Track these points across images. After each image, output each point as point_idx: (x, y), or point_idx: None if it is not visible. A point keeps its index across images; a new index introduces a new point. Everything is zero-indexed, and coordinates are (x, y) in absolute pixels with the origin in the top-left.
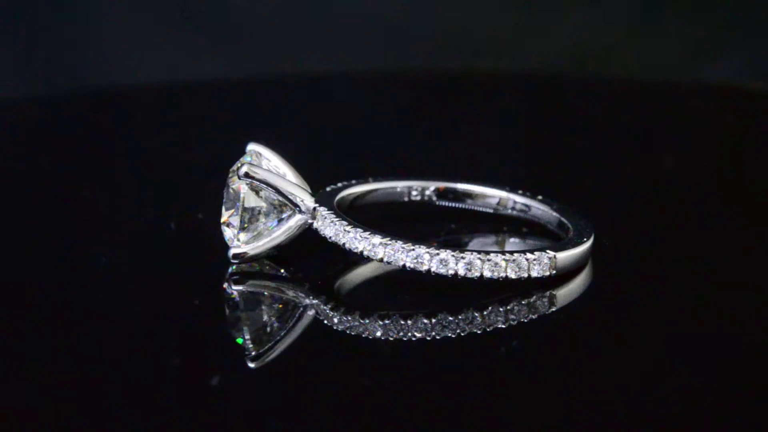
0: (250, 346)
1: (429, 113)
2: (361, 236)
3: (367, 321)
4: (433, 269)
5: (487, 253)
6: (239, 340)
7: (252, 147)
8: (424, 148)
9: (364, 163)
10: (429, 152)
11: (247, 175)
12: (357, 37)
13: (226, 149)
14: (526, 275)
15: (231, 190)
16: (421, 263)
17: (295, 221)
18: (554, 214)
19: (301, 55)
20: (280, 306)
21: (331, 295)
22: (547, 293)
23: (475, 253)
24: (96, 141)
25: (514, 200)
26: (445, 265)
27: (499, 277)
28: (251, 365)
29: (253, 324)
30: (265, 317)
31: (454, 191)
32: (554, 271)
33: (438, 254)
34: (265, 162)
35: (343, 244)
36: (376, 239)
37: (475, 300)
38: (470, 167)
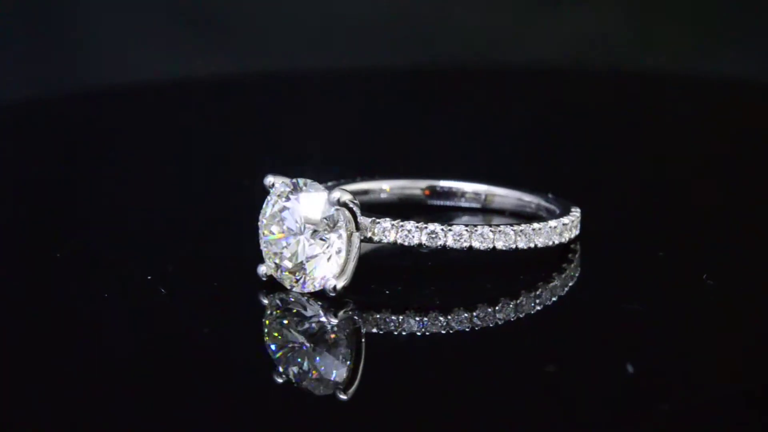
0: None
1: (426, 111)
2: (467, 230)
3: (401, 318)
4: (520, 245)
5: (539, 222)
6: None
7: (276, 178)
8: (420, 146)
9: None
10: (428, 149)
11: (349, 204)
12: (352, 34)
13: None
14: (573, 235)
15: (318, 221)
16: (530, 239)
17: (356, 241)
18: (530, 199)
19: (292, 52)
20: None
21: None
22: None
23: (533, 224)
24: (95, 142)
25: (491, 193)
26: (530, 237)
27: (554, 243)
28: (343, 397)
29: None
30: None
31: (435, 189)
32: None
33: (531, 231)
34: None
35: (443, 245)
36: (485, 230)
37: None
38: (459, 163)
